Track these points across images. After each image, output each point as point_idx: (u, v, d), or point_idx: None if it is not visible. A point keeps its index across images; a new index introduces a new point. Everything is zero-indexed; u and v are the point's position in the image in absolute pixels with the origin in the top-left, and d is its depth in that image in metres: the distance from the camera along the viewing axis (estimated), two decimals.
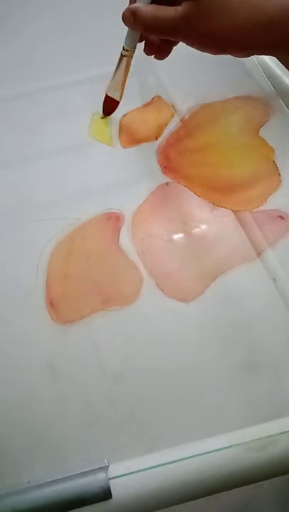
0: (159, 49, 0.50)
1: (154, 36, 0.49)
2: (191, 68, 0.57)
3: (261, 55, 0.53)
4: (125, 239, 0.44)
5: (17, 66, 0.63)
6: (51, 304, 0.40)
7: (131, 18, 0.45)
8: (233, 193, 0.47)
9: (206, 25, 0.43)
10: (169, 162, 0.50)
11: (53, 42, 0.66)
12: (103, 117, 0.54)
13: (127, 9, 0.45)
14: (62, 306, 0.40)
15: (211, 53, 0.46)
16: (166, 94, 0.56)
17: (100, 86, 0.53)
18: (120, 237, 0.44)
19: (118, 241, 0.44)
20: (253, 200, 0.46)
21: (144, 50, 0.50)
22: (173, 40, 0.48)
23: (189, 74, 0.58)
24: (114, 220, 0.45)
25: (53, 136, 0.54)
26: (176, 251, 0.43)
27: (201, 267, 0.42)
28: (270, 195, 0.46)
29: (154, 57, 0.51)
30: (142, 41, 0.49)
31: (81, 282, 0.41)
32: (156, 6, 0.44)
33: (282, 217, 0.44)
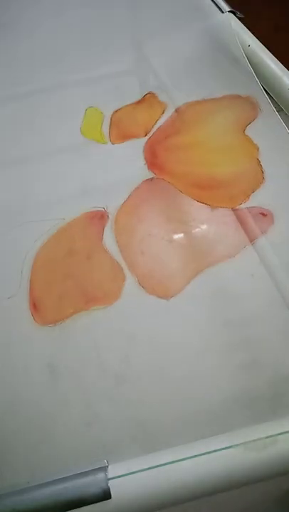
0: None
1: None
2: (186, 68, 0.57)
3: None
4: (109, 237, 0.44)
5: (17, 66, 0.63)
6: (34, 305, 0.40)
7: None
8: (215, 190, 0.47)
9: None
10: (156, 158, 0.50)
11: (53, 42, 0.66)
12: None
13: None
14: (45, 307, 0.40)
15: None
16: (159, 90, 0.56)
17: (101, 86, 0.53)
18: (104, 235, 0.44)
19: (102, 239, 0.44)
20: (237, 197, 0.46)
21: None
22: None
23: (184, 73, 0.57)
24: (98, 218, 0.45)
25: (53, 137, 0.54)
26: (172, 250, 0.43)
27: (189, 263, 0.42)
28: (253, 192, 0.46)
29: None
30: None
31: (65, 282, 0.41)
32: None
33: (264, 214, 0.44)
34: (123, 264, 0.42)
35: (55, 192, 0.48)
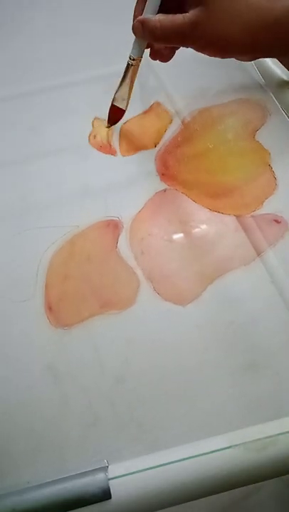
0: (164, 54, 0.52)
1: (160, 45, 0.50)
2: (188, 72, 0.58)
3: (268, 57, 0.53)
4: (124, 245, 0.44)
5: (17, 66, 0.63)
6: (50, 308, 0.41)
7: (140, 28, 0.46)
8: (229, 198, 0.47)
9: (214, 31, 0.44)
10: (167, 169, 0.50)
11: (53, 42, 0.66)
12: (108, 126, 0.54)
13: (137, 20, 0.46)
14: (60, 310, 0.40)
15: (219, 57, 0.47)
16: (165, 98, 0.57)
17: (101, 86, 0.53)
18: (119, 243, 0.44)
19: (116, 247, 0.44)
20: (250, 204, 0.46)
21: (150, 55, 0.52)
22: (182, 46, 0.49)
23: (187, 78, 0.58)
24: (112, 227, 0.46)
25: (53, 137, 0.54)
26: (175, 252, 0.43)
27: (200, 268, 0.42)
28: (266, 198, 0.46)
29: (159, 60, 0.52)
30: (147, 48, 0.50)
31: (79, 287, 0.42)
32: (164, 15, 0.45)
33: (277, 221, 0.45)
34: (138, 271, 0.42)
35: (66, 199, 0.48)
